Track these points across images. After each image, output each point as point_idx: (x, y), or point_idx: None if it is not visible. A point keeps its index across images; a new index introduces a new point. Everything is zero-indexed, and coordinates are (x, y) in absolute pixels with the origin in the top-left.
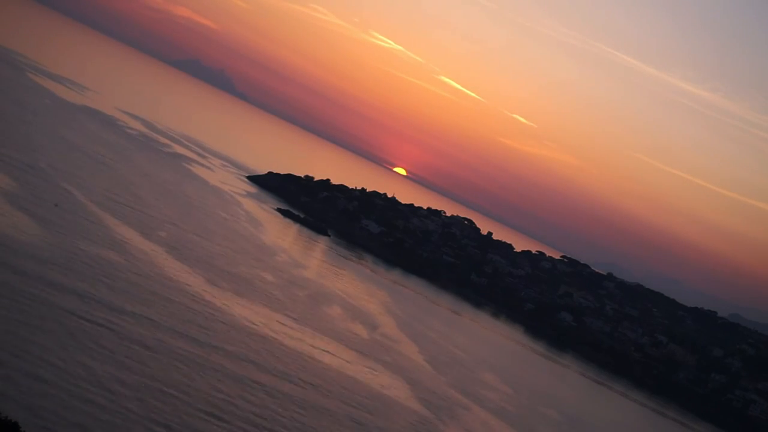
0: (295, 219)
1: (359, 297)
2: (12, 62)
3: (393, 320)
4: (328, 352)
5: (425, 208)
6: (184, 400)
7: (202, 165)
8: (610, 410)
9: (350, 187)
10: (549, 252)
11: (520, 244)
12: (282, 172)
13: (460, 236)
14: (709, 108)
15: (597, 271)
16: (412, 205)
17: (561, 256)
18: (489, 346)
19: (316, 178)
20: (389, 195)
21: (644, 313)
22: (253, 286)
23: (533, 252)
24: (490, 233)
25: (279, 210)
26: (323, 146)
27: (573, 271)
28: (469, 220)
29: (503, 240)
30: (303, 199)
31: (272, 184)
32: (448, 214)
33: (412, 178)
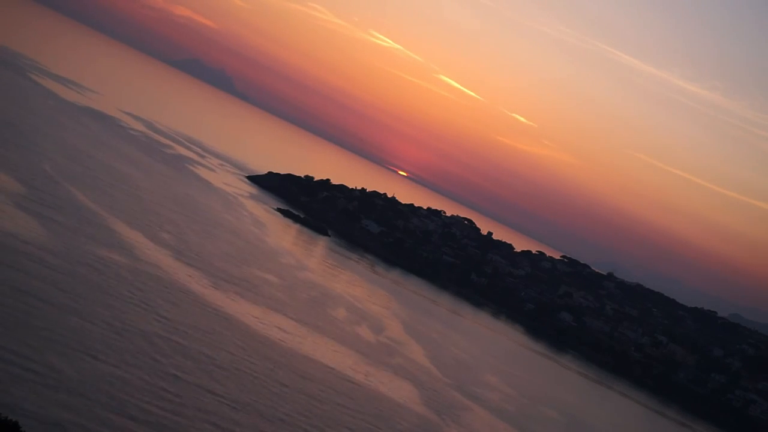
0: (295, 219)
1: (360, 298)
2: (13, 62)
3: (395, 321)
4: (331, 354)
5: (425, 208)
6: (185, 401)
7: (203, 165)
8: (610, 410)
9: (350, 187)
10: (549, 252)
11: (520, 244)
12: (282, 172)
13: (460, 236)
14: (708, 107)
15: (597, 271)
16: (412, 205)
17: (561, 256)
18: (489, 346)
19: (316, 178)
20: (389, 195)
21: (644, 313)
22: (255, 287)
23: (533, 252)
24: (490, 233)
25: (279, 210)
26: (323, 146)
27: (573, 271)
28: (469, 220)
29: (503, 240)
30: (303, 199)
31: (272, 184)
32: (448, 214)
33: (412, 178)
